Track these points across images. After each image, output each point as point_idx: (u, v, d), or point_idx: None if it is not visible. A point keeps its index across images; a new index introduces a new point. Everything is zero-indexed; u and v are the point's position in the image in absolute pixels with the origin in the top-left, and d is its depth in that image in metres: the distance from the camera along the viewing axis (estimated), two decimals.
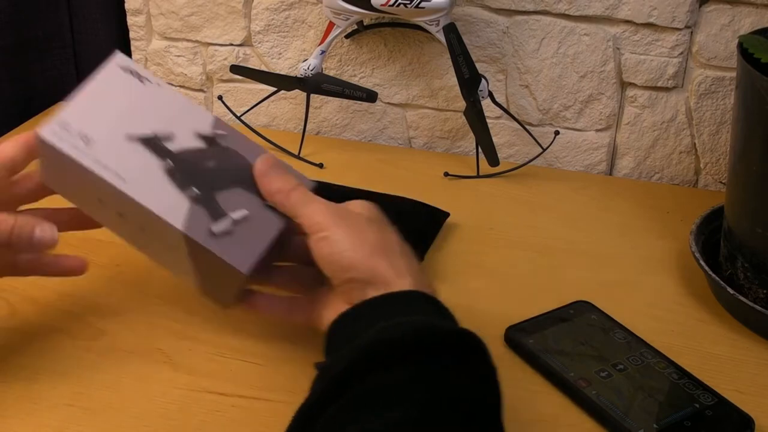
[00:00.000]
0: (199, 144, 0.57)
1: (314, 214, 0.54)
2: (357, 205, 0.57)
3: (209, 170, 0.56)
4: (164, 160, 0.55)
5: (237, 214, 0.55)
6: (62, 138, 0.53)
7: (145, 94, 0.58)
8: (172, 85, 1.04)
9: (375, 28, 0.94)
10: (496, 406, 0.46)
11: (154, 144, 0.56)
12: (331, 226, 0.53)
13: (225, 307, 0.61)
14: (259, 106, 0.98)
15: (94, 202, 0.57)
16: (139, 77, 0.58)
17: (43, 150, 0.55)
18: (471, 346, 0.48)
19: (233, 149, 0.58)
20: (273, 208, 0.56)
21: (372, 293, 0.51)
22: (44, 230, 0.54)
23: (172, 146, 0.56)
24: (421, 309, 0.51)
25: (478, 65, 0.88)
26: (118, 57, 0.59)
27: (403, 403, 0.43)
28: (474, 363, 0.47)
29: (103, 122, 0.55)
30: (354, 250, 0.52)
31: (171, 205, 0.54)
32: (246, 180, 0.57)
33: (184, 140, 0.57)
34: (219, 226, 0.54)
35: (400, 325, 0.48)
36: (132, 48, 1.03)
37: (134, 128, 0.56)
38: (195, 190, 0.55)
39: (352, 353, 0.46)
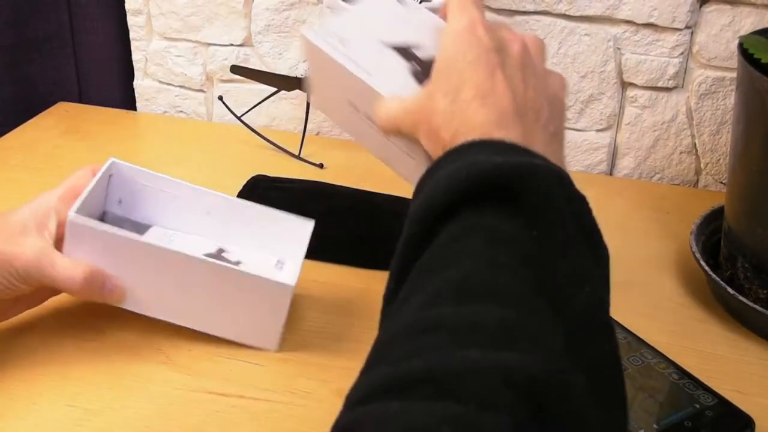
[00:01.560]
0: None
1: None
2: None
3: None
4: (411, 63, 0.58)
5: None
6: (320, 36, 0.58)
7: (403, 13, 0.62)
8: (172, 85, 1.04)
9: None
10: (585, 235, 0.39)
11: (403, 50, 0.59)
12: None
13: None
14: (259, 106, 0.98)
15: (346, 109, 0.60)
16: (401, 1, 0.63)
17: (306, 50, 0.60)
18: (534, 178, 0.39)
19: None
20: None
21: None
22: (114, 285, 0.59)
23: (420, 54, 0.59)
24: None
25: None
26: None
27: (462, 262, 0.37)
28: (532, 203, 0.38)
29: (360, 29, 0.60)
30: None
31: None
32: None
33: (432, 50, 0.58)
34: None
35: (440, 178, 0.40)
36: (132, 48, 1.03)
37: (388, 37, 0.59)
38: None
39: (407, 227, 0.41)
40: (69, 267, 0.57)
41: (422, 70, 0.58)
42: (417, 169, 0.56)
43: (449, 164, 0.41)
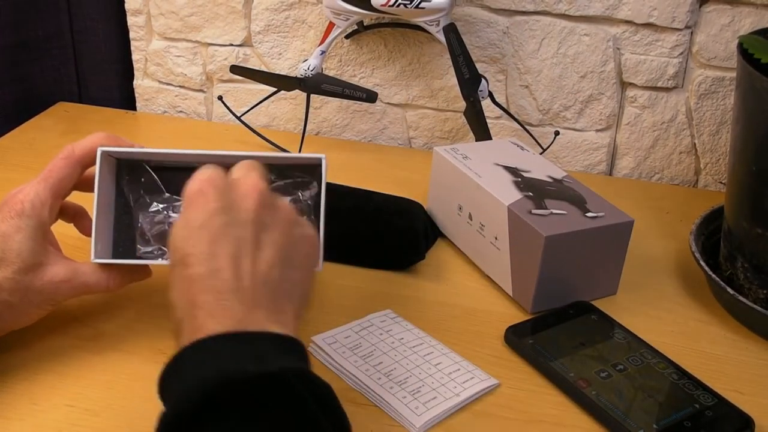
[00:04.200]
0: (547, 179, 0.73)
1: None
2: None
3: (547, 187, 0.71)
4: (515, 177, 0.72)
5: (556, 211, 0.68)
6: (449, 153, 0.76)
7: (520, 153, 0.78)
8: (171, 85, 1.04)
9: (375, 29, 0.94)
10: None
11: (511, 169, 0.74)
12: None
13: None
14: (259, 106, 0.98)
15: (455, 211, 0.75)
16: (521, 148, 0.79)
17: (434, 162, 0.78)
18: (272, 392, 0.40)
19: (574, 188, 0.72)
20: (592, 219, 0.67)
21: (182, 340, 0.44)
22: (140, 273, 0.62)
23: (525, 174, 0.73)
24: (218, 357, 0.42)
25: (478, 65, 0.88)
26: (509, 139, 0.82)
27: None
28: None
29: (481, 153, 0.77)
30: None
31: (506, 195, 0.69)
32: (576, 201, 0.69)
33: (537, 174, 0.74)
34: (537, 211, 0.67)
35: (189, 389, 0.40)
36: (132, 48, 1.03)
37: (501, 161, 0.76)
38: (530, 193, 0.70)
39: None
40: (98, 273, 0.59)
41: (522, 181, 0.72)
42: (501, 261, 0.69)
43: (181, 374, 0.42)
